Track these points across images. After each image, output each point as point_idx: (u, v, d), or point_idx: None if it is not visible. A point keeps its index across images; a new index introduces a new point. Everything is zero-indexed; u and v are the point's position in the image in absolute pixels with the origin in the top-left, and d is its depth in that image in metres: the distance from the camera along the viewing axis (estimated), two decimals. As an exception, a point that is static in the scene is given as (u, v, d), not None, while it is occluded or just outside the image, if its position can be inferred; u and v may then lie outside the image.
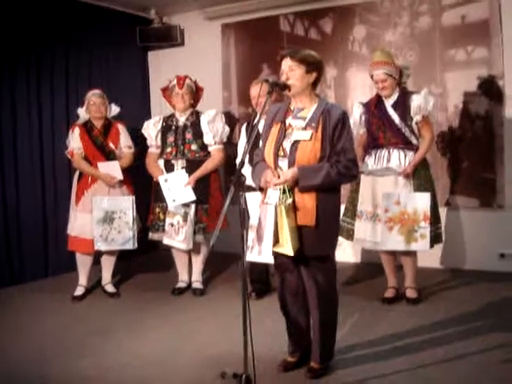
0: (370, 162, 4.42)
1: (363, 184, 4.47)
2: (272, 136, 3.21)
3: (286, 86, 3.12)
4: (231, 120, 6.30)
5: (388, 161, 4.33)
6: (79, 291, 4.95)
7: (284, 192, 3.05)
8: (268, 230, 3.07)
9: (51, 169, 5.66)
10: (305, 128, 3.11)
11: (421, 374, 3.24)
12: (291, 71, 3.12)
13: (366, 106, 4.50)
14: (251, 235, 3.17)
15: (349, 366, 3.37)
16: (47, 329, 4.22)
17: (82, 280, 4.99)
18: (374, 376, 3.22)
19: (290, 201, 3.04)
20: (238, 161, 4.72)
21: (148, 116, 6.13)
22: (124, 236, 4.79)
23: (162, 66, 6.53)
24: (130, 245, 4.83)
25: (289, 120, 3.20)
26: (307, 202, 3.08)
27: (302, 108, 3.18)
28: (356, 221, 4.49)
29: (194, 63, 6.13)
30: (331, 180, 3.06)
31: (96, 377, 3.37)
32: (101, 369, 3.48)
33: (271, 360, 3.41)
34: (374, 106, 4.41)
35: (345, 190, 4.88)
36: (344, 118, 3.11)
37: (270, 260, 3.17)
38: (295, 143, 3.11)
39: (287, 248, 3.04)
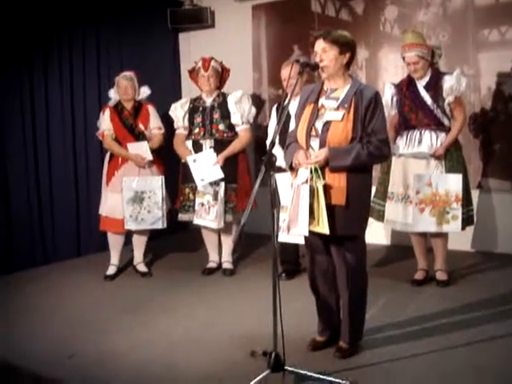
0: (402, 144, 4.39)
1: (394, 165, 4.45)
2: (305, 116, 3.22)
3: (317, 67, 3.12)
4: (261, 101, 6.31)
5: (419, 142, 4.30)
6: (111, 270, 5.03)
7: (316, 172, 3.06)
8: (303, 210, 3.08)
9: (84, 149, 5.74)
10: (337, 108, 3.11)
11: (450, 355, 3.24)
12: (324, 53, 3.11)
13: (398, 87, 4.47)
14: (283, 216, 3.20)
15: (378, 346, 3.39)
16: (79, 306, 4.32)
17: (114, 259, 5.07)
18: (403, 356, 3.23)
19: (323, 181, 3.05)
20: (268, 142, 4.73)
21: (179, 98, 6.13)
22: (154, 216, 4.85)
23: (193, 48, 6.54)
24: (160, 224, 4.89)
25: (322, 100, 3.19)
26: (338, 181, 3.08)
27: (336, 89, 3.18)
28: (387, 202, 4.47)
29: (225, 45, 6.13)
30: (362, 161, 3.06)
31: (125, 353, 3.44)
32: (130, 346, 3.55)
33: (301, 339, 3.42)
34: (406, 87, 4.38)
35: (376, 171, 4.90)
36: (376, 98, 3.09)
37: (302, 241, 3.19)
38: (327, 124, 3.11)
39: (323, 227, 3.04)
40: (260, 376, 2.88)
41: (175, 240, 5.92)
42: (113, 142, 4.95)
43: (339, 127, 3.07)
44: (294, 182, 3.17)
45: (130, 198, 4.81)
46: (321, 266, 3.32)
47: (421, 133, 4.33)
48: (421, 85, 4.32)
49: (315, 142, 3.14)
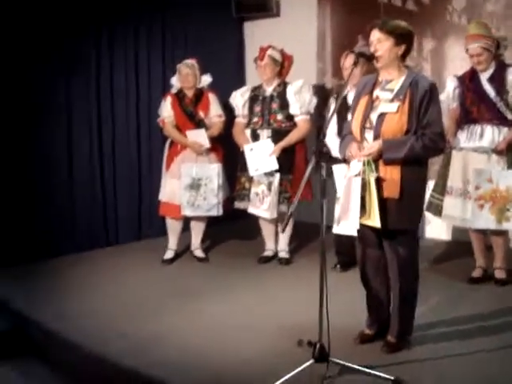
0: (462, 138, 4.28)
1: (454, 159, 4.34)
2: (360, 108, 3.19)
3: (372, 57, 3.08)
4: (325, 91, 6.26)
5: (481, 136, 4.19)
6: (169, 255, 5.13)
7: (368, 164, 3.03)
8: (354, 203, 3.06)
9: (147, 135, 5.85)
10: (392, 100, 3.07)
11: (501, 355, 3.16)
12: (379, 43, 3.07)
13: (461, 79, 4.35)
14: (337, 208, 3.19)
15: (427, 342, 3.33)
16: (134, 288, 4.44)
17: (172, 244, 5.17)
18: (451, 354, 3.17)
19: (375, 174, 3.02)
20: (327, 132, 4.70)
21: (243, 86, 6.17)
22: (209, 203, 4.92)
23: (258, 37, 6.53)
24: (215, 211, 4.95)
25: (376, 92, 3.16)
26: (391, 174, 3.04)
27: (391, 80, 3.13)
28: (445, 197, 4.38)
29: (290, 34, 6.11)
30: (416, 153, 3.01)
31: (174, 336, 3.52)
32: (180, 329, 3.63)
33: (349, 331, 3.41)
34: (469, 80, 4.26)
35: (436, 165, 4.80)
36: (432, 89, 3.04)
37: (355, 232, 3.17)
38: (381, 115, 3.07)
39: (375, 220, 3.02)
40: (303, 366, 2.89)
41: (234, 227, 5.97)
42: (173, 128, 5.03)
43: (394, 119, 3.03)
44: (346, 174, 3.15)
45: (187, 184, 4.89)
46: (372, 259, 3.30)
47: (482, 127, 4.20)
48: (484, 77, 4.19)
49: (369, 134, 3.11)
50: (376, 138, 3.06)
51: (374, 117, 3.10)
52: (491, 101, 4.16)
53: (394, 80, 3.12)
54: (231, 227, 5.90)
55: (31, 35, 4.98)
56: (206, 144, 4.95)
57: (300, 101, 4.88)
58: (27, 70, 4.98)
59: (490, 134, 4.17)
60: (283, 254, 5.10)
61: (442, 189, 4.42)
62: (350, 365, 2.95)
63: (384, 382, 2.86)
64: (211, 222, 5.30)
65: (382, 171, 3.05)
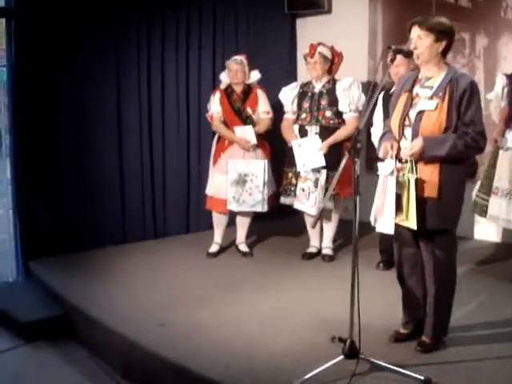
0: (510, 137, 4.19)
1: (501, 159, 4.26)
2: (399, 105, 3.18)
3: (410, 54, 3.07)
4: (376, 89, 6.20)
5: (529, 136, 4.10)
6: (214, 248, 5.21)
7: (411, 164, 3.01)
8: (389, 202, 3.06)
9: (196, 130, 5.92)
10: (431, 97, 3.04)
11: (540, 360, 3.10)
12: (419, 40, 3.06)
13: (510, 77, 4.26)
14: (374, 206, 3.19)
15: (463, 344, 3.28)
16: (179, 279, 4.54)
17: (217, 238, 5.25)
18: (487, 357, 3.11)
19: (415, 175, 3.00)
20: (372, 130, 4.69)
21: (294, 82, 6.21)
22: (254, 198, 4.96)
23: (309, 34, 6.52)
24: (260, 207, 4.99)
25: (416, 89, 3.14)
26: (430, 173, 3.02)
27: (430, 77, 3.10)
28: (491, 197, 4.30)
29: (341, 31, 6.07)
30: (457, 151, 2.98)
31: (212, 327, 3.59)
32: (218, 320, 3.69)
33: (385, 330, 3.42)
34: (519, 78, 4.18)
35: (481, 165, 4.72)
36: (472, 87, 2.99)
37: (391, 231, 3.16)
38: (420, 113, 3.05)
39: (411, 222, 3.01)
40: (333, 361, 2.91)
41: (281, 223, 5.99)
42: (221, 124, 5.10)
43: (432, 117, 3.00)
44: (381, 172, 3.15)
45: (233, 179, 4.95)
46: (409, 259, 3.28)
47: (530, 126, 4.12)
48: (534, 76, 4.11)
49: (408, 132, 3.10)
50: (415, 135, 3.04)
51: (412, 114, 3.08)
52: (540, 100, 4.07)
53: (433, 77, 3.09)
54: (277, 223, 5.91)
55: (82, 28, 5.16)
56: (253, 140, 4.99)
57: (349, 98, 4.87)
58: (78, 64, 5.17)
59: (539, 133, 4.08)
60: (327, 251, 5.10)
61: (487, 189, 4.34)
62: (379, 362, 2.95)
63: (414, 381, 2.84)
64: (257, 217, 5.33)
65: (420, 171, 3.03)
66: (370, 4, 6.19)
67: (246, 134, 4.99)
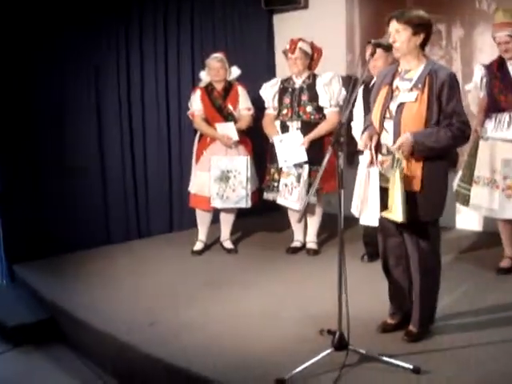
0: (490, 127, 4.24)
1: (481, 149, 4.30)
2: (380, 98, 3.21)
3: (389, 47, 3.10)
4: (356, 83, 6.23)
5: (509, 125, 4.14)
6: (198, 246, 5.22)
7: (397, 159, 3.05)
8: (373, 195, 3.09)
9: (177, 129, 5.91)
10: (411, 90, 3.08)
11: (525, 345, 3.16)
12: (398, 33, 3.09)
13: (488, 68, 4.30)
14: (355, 198, 3.21)
15: (449, 332, 3.34)
16: (165, 278, 4.54)
17: (202, 235, 5.26)
18: (474, 344, 3.17)
19: (398, 168, 3.03)
20: (352, 124, 4.72)
21: (273, 78, 6.19)
22: (238, 194, 4.98)
23: (287, 29, 6.54)
24: (244, 203, 5.01)
25: (396, 82, 3.17)
26: (414, 167, 3.06)
27: (409, 70, 3.14)
28: (472, 186, 4.35)
29: (319, 26, 6.09)
30: (446, 143, 3.03)
31: (201, 325, 3.61)
32: (207, 318, 3.71)
33: (372, 321, 3.45)
34: (497, 68, 4.21)
35: (462, 155, 4.78)
36: (451, 79, 3.03)
37: (375, 223, 3.19)
38: (401, 105, 3.08)
39: (397, 214, 3.03)
40: (323, 354, 2.94)
41: (264, 219, 6.02)
42: (202, 122, 5.10)
43: (413, 108, 3.04)
44: (360, 164, 3.19)
45: (216, 176, 4.96)
46: (394, 250, 3.31)
47: (510, 115, 4.15)
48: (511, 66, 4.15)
49: (389, 124, 3.13)
50: (396, 127, 3.07)
51: (393, 107, 3.11)
52: (519, 89, 4.12)
53: (412, 70, 3.12)
54: (261, 219, 5.93)
55: (60, 27, 5.12)
56: (235, 137, 5.00)
57: (329, 93, 4.90)
58: (54, 65, 5.13)
59: (518, 123, 4.14)
60: (311, 245, 5.13)
61: (469, 178, 4.38)
62: (369, 353, 2.99)
63: (403, 370, 2.88)
64: (241, 214, 5.35)
65: (404, 164, 3.06)
66: (347, -2, 6.23)
67: (228, 130, 5.00)
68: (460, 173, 4.49)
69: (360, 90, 4.78)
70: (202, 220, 5.23)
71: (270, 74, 6.52)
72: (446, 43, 5.57)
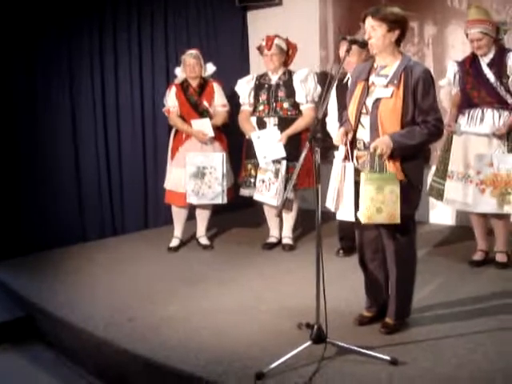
0: (463, 122, 4.31)
1: (455, 144, 4.36)
2: (356, 94, 3.25)
3: (364, 44, 3.14)
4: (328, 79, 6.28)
5: (481, 120, 4.22)
6: (174, 243, 5.22)
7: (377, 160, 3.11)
8: (348, 190, 3.14)
9: (151, 125, 5.91)
10: (386, 85, 3.12)
11: (498, 336, 3.21)
12: (373, 30, 3.12)
13: (461, 64, 4.37)
14: (329, 193, 3.25)
15: (425, 324, 3.39)
16: (142, 275, 4.54)
17: (177, 232, 5.26)
18: (449, 335, 3.23)
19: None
20: (327, 119, 4.76)
21: (247, 75, 6.21)
22: (214, 191, 4.99)
23: (261, 26, 6.56)
24: (219, 199, 5.02)
25: (372, 78, 3.21)
26: (392, 164, 3.09)
27: (385, 65, 3.18)
28: (446, 181, 4.41)
29: (292, 22, 6.16)
30: (423, 140, 3.09)
31: (179, 320, 3.62)
32: (185, 314, 3.72)
33: (350, 314, 3.51)
34: (469, 65, 4.28)
35: (435, 150, 4.85)
36: (426, 75, 3.08)
37: (352, 218, 3.23)
38: (377, 101, 3.12)
39: (360, 214, 3.11)
40: (301, 347, 2.97)
41: (240, 215, 6.04)
42: (177, 118, 5.10)
43: (389, 104, 3.08)
44: (335, 159, 3.24)
45: (192, 172, 4.97)
46: (370, 243, 3.36)
47: (483, 111, 4.23)
48: (484, 62, 4.21)
49: (366, 120, 3.17)
50: (373, 122, 3.11)
51: (369, 102, 3.15)
52: (491, 85, 4.18)
53: (388, 66, 3.16)
54: (236, 215, 5.96)
55: (36, 26, 5.09)
56: (210, 133, 5.01)
57: (305, 89, 4.93)
58: (29, 64, 5.11)
59: (491, 119, 4.20)
60: (287, 241, 5.16)
61: (443, 173, 4.44)
62: (347, 346, 3.02)
63: (380, 362, 2.92)
64: (216, 210, 5.37)
65: (389, 165, 3.10)
66: (320, -5, 6.27)
67: (203, 126, 5.01)
68: (433, 168, 4.55)
69: (334, 86, 4.83)
70: (178, 216, 5.24)
71: (245, 70, 6.56)
72: (418, 40, 5.66)
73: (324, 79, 5.77)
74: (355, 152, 3.20)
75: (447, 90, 4.60)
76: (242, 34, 6.76)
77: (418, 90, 3.06)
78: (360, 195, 3.07)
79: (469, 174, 4.29)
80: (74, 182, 5.47)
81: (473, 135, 4.28)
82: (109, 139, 5.67)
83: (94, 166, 5.58)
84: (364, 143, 3.16)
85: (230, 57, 6.48)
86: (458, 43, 5.38)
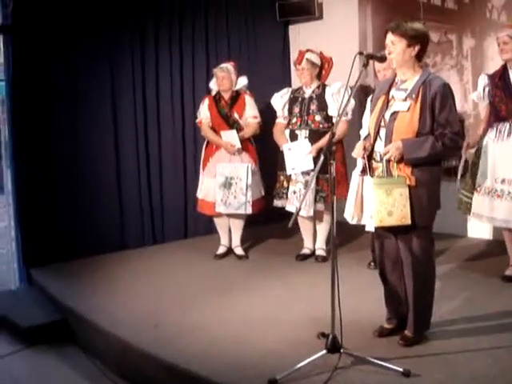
0: (492, 136, 4.28)
1: (483, 157, 4.33)
2: (377, 108, 3.31)
3: (383, 59, 3.19)
4: (367, 93, 6.29)
5: (509, 134, 4.18)
6: (221, 250, 5.39)
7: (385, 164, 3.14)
8: (366, 202, 3.21)
9: (192, 136, 6.02)
10: (405, 99, 3.17)
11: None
12: (393, 45, 3.18)
13: (491, 77, 4.34)
14: (348, 205, 3.32)
15: (445, 338, 3.38)
16: (173, 283, 4.66)
17: (223, 240, 5.42)
18: (467, 350, 3.21)
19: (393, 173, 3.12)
20: (361, 132, 4.79)
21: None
22: (239, 201, 5.08)
23: (302, 40, 6.65)
24: (243, 209, 5.11)
25: (392, 92, 3.27)
26: (404, 175, 3.13)
27: (405, 80, 3.23)
28: (474, 195, 4.38)
29: (332, 36, 6.21)
30: (436, 152, 3.10)
31: (203, 328, 3.71)
32: (209, 322, 3.81)
33: (371, 325, 3.53)
34: (499, 78, 4.26)
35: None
36: (444, 89, 3.11)
37: (371, 229, 3.28)
38: (394, 114, 3.17)
39: (372, 218, 3.18)
40: (315, 355, 3.02)
41: (275, 227, 6.09)
42: (208, 129, 5.24)
43: (406, 117, 3.12)
44: (354, 172, 3.28)
45: (221, 182, 5.10)
46: (390, 254, 3.38)
47: (511, 124, 4.19)
48: (512, 74, 4.20)
49: (383, 132, 3.22)
50: (388, 135, 3.16)
51: (387, 115, 3.20)
52: (518, 98, 4.15)
53: (408, 80, 3.21)
54: (271, 226, 6.00)
55: (77, 41, 5.31)
56: (238, 144, 5.12)
57: (338, 102, 4.97)
58: (74, 76, 5.32)
59: (519, 133, 4.17)
60: (320, 252, 5.20)
61: (471, 187, 4.42)
62: (361, 356, 3.06)
63: (393, 373, 2.94)
64: (252, 222, 5.47)
65: (395, 170, 3.15)
66: (360, 9, 6.30)
67: (231, 138, 5.13)
68: (458, 181, 4.51)
69: (368, 99, 4.86)
70: (220, 225, 5.40)
71: (285, 84, 6.59)
72: (456, 53, 5.62)
73: (363, 92, 5.81)
74: (373, 164, 3.25)
75: (482, 103, 4.57)
76: (284, 48, 6.83)
77: (435, 103, 3.09)
78: (371, 200, 3.11)
79: (496, 189, 4.25)
80: (115, 190, 5.65)
81: (501, 149, 4.24)
82: (149, 148, 5.84)
83: (134, 173, 5.76)
84: (380, 155, 3.20)
85: (272, 70, 6.56)
86: (497, 55, 5.29)
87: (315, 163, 4.87)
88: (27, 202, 5.14)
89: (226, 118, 5.21)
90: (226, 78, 5.16)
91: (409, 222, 3.09)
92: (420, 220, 3.15)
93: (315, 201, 4.94)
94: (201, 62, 6.08)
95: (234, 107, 5.22)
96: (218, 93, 5.27)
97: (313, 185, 4.86)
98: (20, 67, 5.04)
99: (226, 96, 5.24)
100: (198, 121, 5.36)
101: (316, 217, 5.09)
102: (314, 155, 4.89)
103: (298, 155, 4.92)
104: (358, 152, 3.24)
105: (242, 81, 5.29)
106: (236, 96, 5.25)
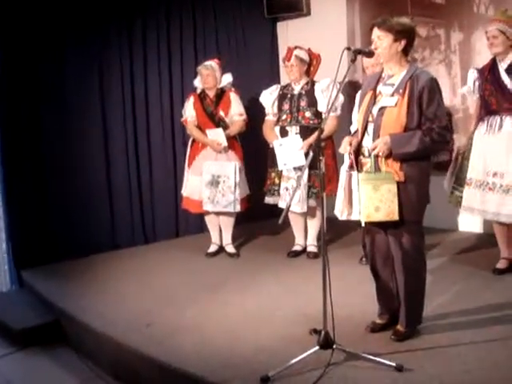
0: (482, 129, 4.29)
1: (474, 151, 4.34)
2: (364, 103, 3.32)
3: (371, 54, 3.18)
4: (356, 88, 6.30)
5: (500, 128, 4.19)
6: (212, 248, 5.38)
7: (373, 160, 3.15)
8: (354, 197, 3.21)
9: (181, 135, 6.00)
10: (392, 94, 3.17)
11: (510, 344, 3.18)
12: (379, 40, 3.17)
13: (480, 71, 4.35)
14: (338, 200, 3.32)
15: (437, 331, 3.38)
16: (167, 282, 4.66)
17: (214, 238, 5.42)
18: (460, 343, 3.22)
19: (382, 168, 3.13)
20: (351, 128, 4.79)
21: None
22: (227, 199, 5.09)
23: (290, 37, 6.65)
24: (232, 208, 5.11)
25: (379, 87, 3.27)
26: (393, 170, 3.13)
27: (392, 75, 3.24)
28: (465, 188, 4.39)
29: (321, 32, 6.22)
30: (425, 147, 3.11)
31: (196, 326, 3.71)
32: (202, 319, 3.81)
33: (363, 321, 3.53)
34: (488, 71, 4.27)
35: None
36: (431, 83, 3.11)
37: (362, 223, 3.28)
38: (381, 109, 3.17)
39: (360, 214, 3.18)
40: (308, 352, 3.02)
41: (266, 224, 6.10)
42: (194, 127, 5.24)
43: (393, 113, 3.13)
44: (342, 167, 3.29)
45: (208, 181, 5.10)
46: (381, 249, 3.38)
47: (502, 118, 4.20)
48: (502, 68, 4.19)
49: (371, 127, 3.23)
50: (376, 131, 3.17)
51: (375, 111, 3.20)
52: (509, 91, 4.15)
53: (395, 75, 3.22)
54: (263, 224, 5.99)
55: (67, 44, 5.32)
56: (224, 142, 5.11)
57: (327, 98, 4.96)
58: (62, 73, 5.32)
59: (509, 126, 4.17)
60: (311, 248, 5.20)
61: (462, 180, 4.42)
62: (353, 351, 3.06)
63: (386, 368, 2.95)
64: (243, 219, 5.48)
65: (383, 165, 3.15)
66: (348, 5, 6.29)
67: (217, 136, 5.12)
68: (449, 174, 4.52)
69: (357, 95, 4.86)
70: (210, 224, 5.41)
71: (274, 81, 6.60)
72: (444, 47, 5.63)
73: (351, 88, 5.82)
74: (362, 159, 3.25)
75: (469, 97, 4.58)
76: (272, 44, 6.82)
77: (423, 98, 3.09)
78: (358, 195, 3.12)
79: (487, 182, 4.26)
80: (106, 190, 5.65)
81: (491, 142, 4.25)
82: (139, 147, 5.83)
83: (124, 174, 5.75)
84: (368, 150, 3.20)
85: (260, 67, 6.56)
86: (485, 50, 5.29)
87: (306, 159, 4.88)
88: (17, 202, 5.11)
89: (211, 116, 5.19)
90: (210, 75, 5.14)
91: (396, 217, 3.09)
92: (409, 215, 3.16)
93: (308, 197, 4.93)
94: (189, 59, 6.06)
95: (219, 105, 5.20)
96: (203, 91, 5.25)
97: (305, 181, 4.86)
98: (8, 67, 5.01)
99: (211, 94, 5.22)
100: (183, 120, 5.36)
101: (308, 213, 5.09)
102: (305, 151, 4.89)
103: (290, 151, 4.91)
104: (344, 148, 3.25)
105: (227, 78, 5.27)
106: (221, 93, 5.23)
